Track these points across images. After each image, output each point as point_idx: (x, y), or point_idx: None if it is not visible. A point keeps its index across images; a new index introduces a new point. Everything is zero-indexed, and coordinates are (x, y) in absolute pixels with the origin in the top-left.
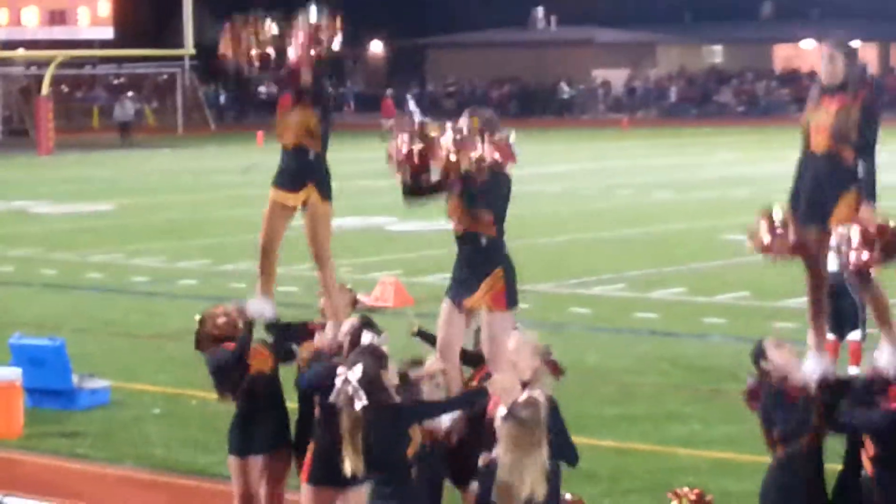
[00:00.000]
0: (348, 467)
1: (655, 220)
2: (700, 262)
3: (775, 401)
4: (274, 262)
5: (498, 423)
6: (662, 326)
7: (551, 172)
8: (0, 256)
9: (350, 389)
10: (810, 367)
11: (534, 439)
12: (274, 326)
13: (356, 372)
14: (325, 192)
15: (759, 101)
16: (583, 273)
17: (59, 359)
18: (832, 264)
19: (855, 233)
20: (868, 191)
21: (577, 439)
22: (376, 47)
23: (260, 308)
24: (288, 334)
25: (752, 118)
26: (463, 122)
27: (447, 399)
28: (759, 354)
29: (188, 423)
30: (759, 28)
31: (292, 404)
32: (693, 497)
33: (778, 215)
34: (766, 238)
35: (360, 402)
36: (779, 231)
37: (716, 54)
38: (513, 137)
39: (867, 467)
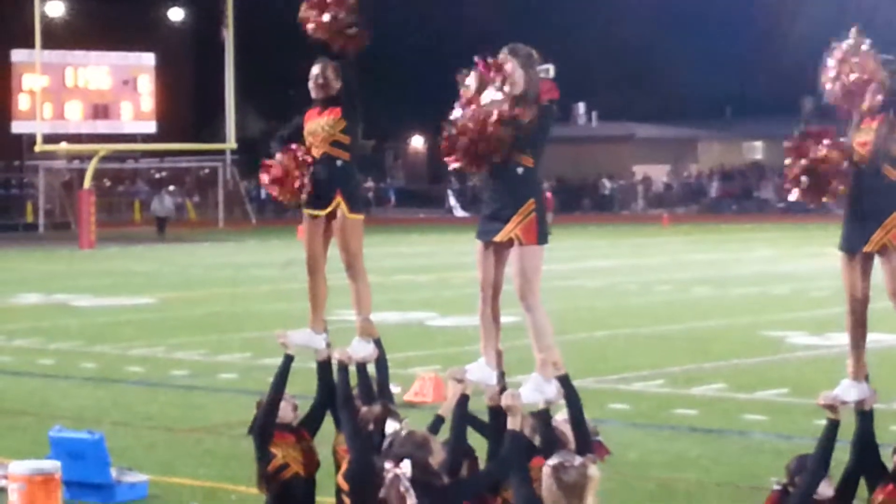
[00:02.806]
0: None
1: (695, 316)
2: (740, 359)
3: None
4: (321, 285)
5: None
6: (702, 423)
7: (591, 267)
8: (40, 349)
9: (402, 487)
10: (845, 391)
11: None
12: (328, 368)
13: (406, 468)
14: (354, 204)
15: None
16: (622, 369)
17: (98, 452)
18: None
19: None
20: None
21: None
22: (417, 142)
23: (305, 341)
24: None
25: (792, 214)
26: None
27: (491, 469)
28: (795, 470)
29: None
30: (800, 124)
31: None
32: None
33: None
34: None
35: (412, 501)
36: None
37: (756, 150)
38: (552, 72)
39: None
